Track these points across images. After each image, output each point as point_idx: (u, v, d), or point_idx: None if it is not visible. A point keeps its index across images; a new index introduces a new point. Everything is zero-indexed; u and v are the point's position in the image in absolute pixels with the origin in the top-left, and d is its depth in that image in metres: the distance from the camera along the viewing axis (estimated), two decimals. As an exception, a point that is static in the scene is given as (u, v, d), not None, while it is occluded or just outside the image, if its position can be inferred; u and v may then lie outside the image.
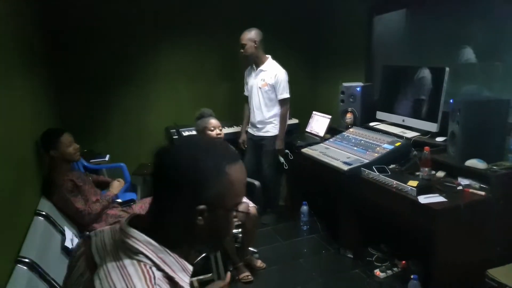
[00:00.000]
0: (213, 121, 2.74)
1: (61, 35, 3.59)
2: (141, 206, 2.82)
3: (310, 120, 3.82)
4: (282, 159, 3.51)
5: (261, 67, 3.42)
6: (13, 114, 2.15)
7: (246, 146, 3.68)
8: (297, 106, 4.46)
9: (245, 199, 2.95)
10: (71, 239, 2.14)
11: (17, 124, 2.23)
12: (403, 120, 3.08)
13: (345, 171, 2.66)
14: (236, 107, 3.98)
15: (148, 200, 2.85)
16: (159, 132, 4.05)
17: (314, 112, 3.81)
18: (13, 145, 2.07)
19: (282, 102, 3.40)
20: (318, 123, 3.69)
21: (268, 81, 3.38)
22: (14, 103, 2.21)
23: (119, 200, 2.91)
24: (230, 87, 4.27)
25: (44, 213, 2.19)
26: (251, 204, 2.82)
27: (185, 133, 3.70)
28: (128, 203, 2.83)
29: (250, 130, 3.62)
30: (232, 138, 3.87)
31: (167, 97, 4.10)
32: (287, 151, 3.50)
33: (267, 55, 3.45)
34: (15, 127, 2.14)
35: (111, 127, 3.94)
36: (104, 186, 2.90)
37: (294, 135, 3.82)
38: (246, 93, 3.65)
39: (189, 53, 4.09)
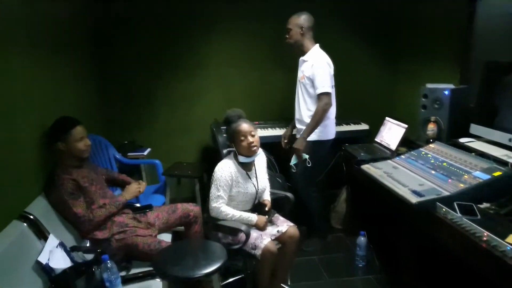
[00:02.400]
0: (245, 126, 2.19)
1: (110, 16, 3.35)
2: (157, 215, 2.42)
3: (382, 128, 3.08)
4: (293, 161, 2.87)
5: (304, 57, 2.84)
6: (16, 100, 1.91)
7: (286, 144, 3.10)
8: (368, 109, 3.75)
9: (280, 219, 2.38)
10: (50, 251, 1.78)
11: (18, 111, 1.97)
12: (510, 140, 2.21)
13: (413, 204, 1.93)
14: (292, 103, 3.40)
15: (166, 209, 2.44)
16: (204, 127, 3.63)
17: (387, 118, 3.06)
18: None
19: (319, 97, 2.75)
20: (391, 132, 2.94)
21: (305, 72, 2.78)
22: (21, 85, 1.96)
23: (137, 205, 2.54)
24: (285, 79, 3.69)
25: (31, 216, 1.88)
26: (289, 223, 2.26)
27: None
28: (144, 209, 2.43)
29: (294, 131, 3.04)
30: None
31: (216, 89, 3.68)
32: (306, 157, 2.80)
33: (315, 44, 2.84)
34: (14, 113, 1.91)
35: (155, 118, 3.64)
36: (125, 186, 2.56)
37: (359, 144, 3.11)
38: None
39: (242, 40, 3.61)
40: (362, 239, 2.79)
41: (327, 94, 2.72)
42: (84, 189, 2.14)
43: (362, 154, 2.81)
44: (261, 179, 2.33)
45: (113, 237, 2.17)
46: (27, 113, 2.06)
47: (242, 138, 2.16)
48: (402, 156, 2.54)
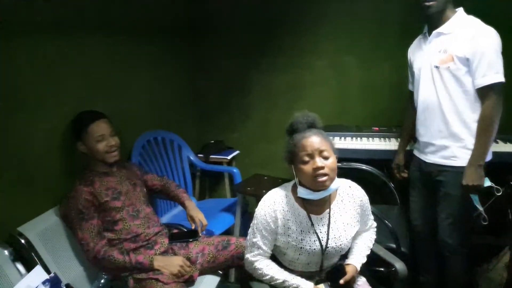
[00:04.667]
0: (312, 140, 1.32)
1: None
2: (203, 248, 1.80)
3: None
4: (476, 202, 1.69)
5: (441, 29, 1.70)
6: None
7: (402, 174, 2.09)
8: None
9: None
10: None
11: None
12: None
13: None
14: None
15: (216, 241, 1.80)
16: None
17: None
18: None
19: (485, 92, 1.60)
20: None
21: (455, 51, 1.63)
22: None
23: (183, 229, 1.97)
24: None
25: (21, 238, 1.48)
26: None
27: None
28: (187, 238, 1.83)
29: (417, 153, 1.94)
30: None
31: (326, 83, 2.81)
32: (490, 183, 1.66)
33: (455, 9, 1.70)
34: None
35: (249, 116, 3.01)
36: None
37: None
38: (411, 87, 2.00)
39: (366, 18, 2.63)
40: None
41: (498, 85, 1.58)
42: (103, 205, 1.66)
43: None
44: (339, 232, 1.41)
45: (131, 275, 1.63)
46: (56, 105, 1.71)
47: (306, 158, 1.31)
48: None
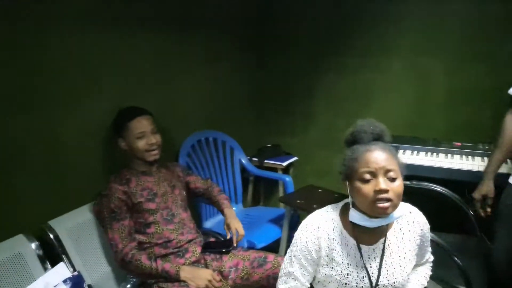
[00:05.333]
0: (380, 157, 1.04)
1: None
2: (237, 263, 1.64)
3: None
4: None
5: None
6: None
7: (487, 209, 1.68)
8: None
9: None
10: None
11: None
12: None
13: None
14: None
15: (253, 257, 1.64)
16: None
17: None
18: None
19: None
20: None
21: None
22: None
23: (221, 238, 1.82)
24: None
25: (51, 235, 1.44)
26: None
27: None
28: (222, 246, 1.68)
29: None
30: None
31: (401, 88, 2.47)
32: None
33: None
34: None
35: (312, 121, 2.77)
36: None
37: None
38: None
39: (457, 13, 2.25)
40: None
41: None
42: (137, 206, 1.58)
43: None
44: (393, 267, 1.14)
45: (157, 283, 1.53)
46: (94, 101, 1.67)
47: (367, 176, 1.05)
48: None
